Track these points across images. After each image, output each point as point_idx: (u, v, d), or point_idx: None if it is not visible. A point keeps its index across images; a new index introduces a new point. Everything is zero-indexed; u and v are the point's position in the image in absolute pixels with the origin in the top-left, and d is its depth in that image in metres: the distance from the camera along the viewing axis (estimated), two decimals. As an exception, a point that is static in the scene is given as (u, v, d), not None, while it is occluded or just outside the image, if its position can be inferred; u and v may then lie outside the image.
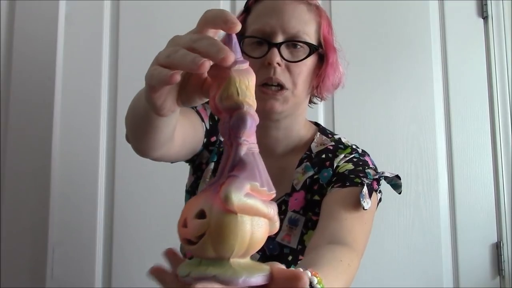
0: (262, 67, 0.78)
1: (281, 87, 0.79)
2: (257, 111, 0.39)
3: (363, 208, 0.73)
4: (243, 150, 0.39)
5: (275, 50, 0.78)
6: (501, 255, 1.32)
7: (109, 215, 1.34)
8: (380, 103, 1.37)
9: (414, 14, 1.40)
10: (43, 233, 1.30)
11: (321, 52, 0.83)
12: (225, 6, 1.37)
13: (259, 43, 0.80)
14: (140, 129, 0.61)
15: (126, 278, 1.31)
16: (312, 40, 0.81)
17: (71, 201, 1.33)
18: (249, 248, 0.38)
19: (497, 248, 1.33)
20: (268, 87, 0.78)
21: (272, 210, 0.39)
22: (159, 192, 1.32)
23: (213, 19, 0.40)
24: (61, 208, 1.33)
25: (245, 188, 0.37)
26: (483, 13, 1.40)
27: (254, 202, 0.37)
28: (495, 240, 1.33)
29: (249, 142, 0.39)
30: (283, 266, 0.39)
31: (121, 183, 1.34)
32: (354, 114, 1.35)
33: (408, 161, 1.35)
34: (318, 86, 0.85)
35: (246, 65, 0.40)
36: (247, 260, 0.39)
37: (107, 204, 1.34)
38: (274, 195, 0.40)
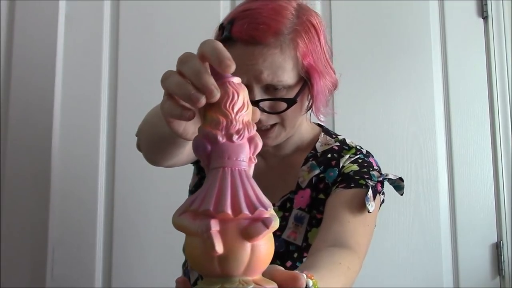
0: None
1: (271, 125, 0.78)
2: None
3: (368, 211, 0.73)
4: (207, 171, 0.41)
5: (255, 109, 0.76)
6: (501, 255, 1.32)
7: (109, 215, 1.34)
8: (380, 103, 1.37)
9: (414, 14, 1.39)
10: (43, 233, 1.30)
11: (305, 78, 0.78)
12: (225, 6, 1.37)
13: None
14: (161, 147, 0.64)
15: (126, 278, 1.31)
16: (292, 78, 0.76)
17: (71, 201, 1.33)
18: (224, 264, 0.38)
19: (497, 248, 1.33)
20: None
21: (201, 229, 0.38)
22: (159, 191, 1.32)
23: (208, 55, 0.41)
24: (61, 208, 1.33)
25: (180, 210, 0.41)
26: (483, 13, 1.39)
27: (181, 222, 0.40)
28: (495, 240, 1.33)
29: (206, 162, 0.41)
30: (282, 269, 0.40)
31: (121, 183, 1.34)
32: (354, 114, 1.35)
33: (408, 161, 1.35)
34: (310, 107, 0.82)
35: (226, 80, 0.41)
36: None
37: (107, 204, 1.34)
38: (213, 212, 0.38)
